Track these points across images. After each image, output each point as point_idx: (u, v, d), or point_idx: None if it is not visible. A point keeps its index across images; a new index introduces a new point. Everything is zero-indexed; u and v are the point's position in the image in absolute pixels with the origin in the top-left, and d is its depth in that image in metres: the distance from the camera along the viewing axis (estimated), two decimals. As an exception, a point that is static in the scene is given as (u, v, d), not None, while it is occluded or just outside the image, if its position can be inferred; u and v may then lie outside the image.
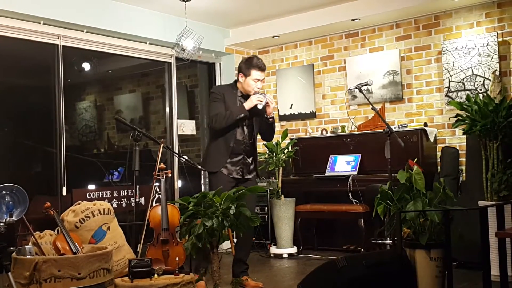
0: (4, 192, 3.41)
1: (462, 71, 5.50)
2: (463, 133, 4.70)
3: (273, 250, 5.80)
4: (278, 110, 6.75)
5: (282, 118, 6.77)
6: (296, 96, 6.70)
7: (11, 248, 3.16)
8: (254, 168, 4.45)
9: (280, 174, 5.84)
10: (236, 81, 4.43)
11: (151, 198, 4.72)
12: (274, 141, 5.68)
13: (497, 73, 5.27)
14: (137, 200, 4.32)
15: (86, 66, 5.96)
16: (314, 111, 6.58)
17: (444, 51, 5.62)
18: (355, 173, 5.63)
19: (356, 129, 6.03)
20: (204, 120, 6.92)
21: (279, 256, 5.72)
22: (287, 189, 5.89)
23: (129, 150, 4.30)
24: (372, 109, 4.79)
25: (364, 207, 5.44)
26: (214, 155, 4.32)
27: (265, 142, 5.73)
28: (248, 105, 4.22)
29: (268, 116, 4.33)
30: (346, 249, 5.72)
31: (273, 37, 6.52)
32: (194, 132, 6.52)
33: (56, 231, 3.80)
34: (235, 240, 4.36)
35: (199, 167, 4.50)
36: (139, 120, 6.75)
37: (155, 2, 5.55)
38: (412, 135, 5.43)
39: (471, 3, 5.46)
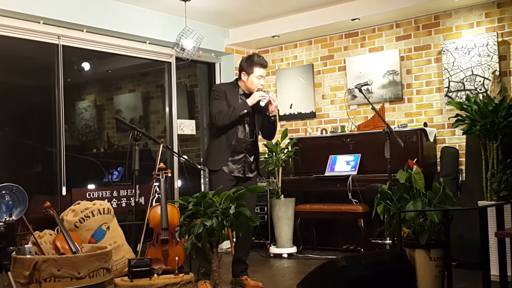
0: (4, 192, 3.41)
1: (462, 71, 5.50)
2: (463, 133, 4.70)
3: (273, 250, 5.80)
4: (278, 110, 6.75)
5: (282, 118, 6.76)
6: (296, 96, 6.70)
7: (11, 248, 3.16)
8: (256, 167, 4.45)
9: (280, 174, 5.84)
10: (237, 80, 4.44)
11: (151, 197, 4.73)
12: (274, 141, 5.68)
13: (497, 73, 5.27)
14: (136, 199, 4.32)
15: (86, 65, 5.96)
16: (314, 111, 6.58)
17: (444, 51, 5.62)
18: (355, 173, 5.63)
19: (356, 129, 6.03)
20: (204, 120, 6.92)
21: (278, 256, 5.72)
22: (287, 189, 5.89)
23: (129, 149, 4.30)
24: (372, 109, 4.79)
25: (363, 207, 5.44)
26: (216, 153, 4.32)
27: (265, 142, 5.74)
28: (251, 101, 4.23)
29: (270, 114, 4.34)
30: (346, 249, 5.72)
31: (273, 37, 6.52)
32: (194, 132, 6.52)
33: (55, 230, 3.80)
34: (234, 239, 4.36)
35: (199, 166, 4.50)
36: (139, 119, 6.75)
37: (155, 1, 5.54)
38: (412, 135, 5.43)
39: (471, 3, 5.46)
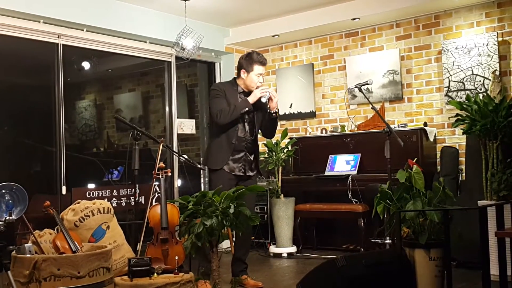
0: (3, 191, 3.41)
1: (462, 70, 5.50)
2: (463, 133, 4.70)
3: (273, 249, 5.80)
4: (278, 110, 6.73)
5: (282, 117, 6.76)
6: (296, 95, 6.70)
7: (11, 247, 3.15)
8: (256, 166, 4.45)
9: (280, 174, 5.84)
10: (235, 78, 4.43)
11: (151, 197, 4.73)
12: (274, 140, 5.68)
13: (497, 72, 5.27)
14: (136, 199, 4.32)
15: (86, 65, 5.96)
16: (314, 111, 6.58)
17: (444, 51, 5.62)
18: (355, 172, 5.63)
19: (355, 129, 6.03)
20: (204, 119, 6.92)
21: (278, 256, 5.72)
22: (287, 189, 5.89)
23: (129, 149, 4.30)
24: (372, 108, 4.79)
25: (363, 206, 5.44)
26: (216, 153, 4.31)
27: (265, 141, 5.74)
28: (252, 98, 4.23)
29: (272, 111, 4.34)
30: (346, 248, 5.72)
31: (273, 36, 6.52)
32: (194, 131, 6.52)
33: (55, 230, 3.80)
34: (234, 239, 4.36)
35: (199, 166, 4.50)
36: (139, 119, 6.75)
37: (155, 1, 5.54)
38: (412, 135, 5.43)
39: (471, 3, 5.46)
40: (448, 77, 5.59)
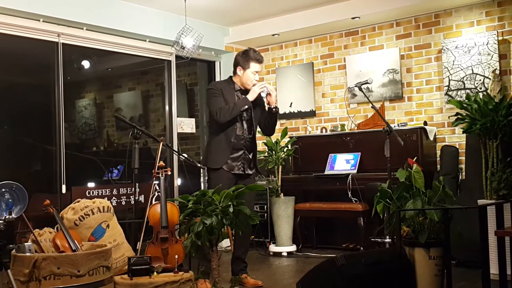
0: (3, 190, 3.41)
1: (462, 69, 5.50)
2: (463, 132, 4.70)
3: (273, 248, 5.80)
4: (278, 109, 6.72)
5: (282, 116, 6.76)
6: (295, 94, 6.70)
7: (11, 246, 3.15)
8: (254, 164, 4.44)
9: (280, 173, 5.84)
10: (231, 77, 4.43)
11: (151, 196, 4.72)
12: (273, 139, 5.68)
13: (497, 71, 5.27)
14: (136, 198, 4.32)
15: (86, 64, 5.96)
16: (314, 110, 6.58)
17: (444, 50, 5.62)
18: (355, 171, 5.63)
19: (355, 128, 6.03)
20: (204, 118, 6.91)
21: (278, 254, 5.72)
22: (287, 188, 5.89)
23: (129, 148, 4.30)
24: (371, 107, 4.79)
25: (363, 205, 5.44)
26: (215, 152, 4.31)
27: (265, 140, 5.74)
28: (252, 96, 4.23)
29: (272, 106, 4.34)
30: (345, 247, 5.71)
31: (273, 35, 6.52)
32: (194, 130, 6.52)
33: (55, 228, 3.80)
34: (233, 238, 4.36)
35: (199, 165, 4.49)
36: (139, 118, 6.75)
37: (155, 0, 5.54)
38: (412, 134, 5.43)
39: (471, 2, 5.46)
40: (448, 76, 5.58)
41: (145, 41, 5.87)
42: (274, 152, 5.76)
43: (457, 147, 5.50)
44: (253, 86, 4.29)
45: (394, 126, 5.51)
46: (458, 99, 5.33)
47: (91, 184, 5.47)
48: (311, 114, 6.59)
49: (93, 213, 4.10)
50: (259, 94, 4.27)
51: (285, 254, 5.72)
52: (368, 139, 5.71)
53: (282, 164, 5.87)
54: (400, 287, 3.37)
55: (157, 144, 4.41)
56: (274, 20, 6.40)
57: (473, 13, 5.52)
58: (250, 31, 6.57)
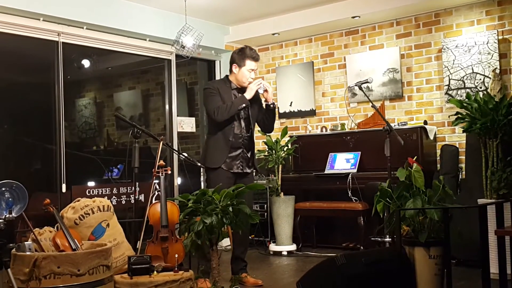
0: (3, 189, 3.41)
1: (462, 69, 5.50)
2: (463, 131, 4.70)
3: (273, 247, 5.80)
4: (278, 108, 6.74)
5: (282, 115, 6.76)
6: (296, 93, 6.70)
7: (11, 245, 3.15)
8: (253, 162, 4.45)
9: (280, 172, 5.84)
10: (227, 76, 4.43)
11: (151, 195, 4.72)
12: (273, 138, 5.68)
13: (497, 71, 5.27)
14: (136, 197, 4.32)
15: (86, 63, 5.96)
16: (314, 109, 6.58)
17: (444, 49, 5.62)
18: (355, 170, 5.63)
19: (355, 127, 6.03)
20: (204, 117, 6.91)
21: (278, 254, 5.72)
22: (287, 187, 5.89)
23: (129, 147, 4.29)
24: (372, 106, 4.78)
25: (363, 205, 5.44)
26: (214, 151, 4.31)
27: (265, 140, 5.74)
28: (249, 94, 4.23)
29: (269, 103, 4.34)
30: (345, 246, 5.71)
31: (273, 34, 6.52)
32: (194, 130, 6.52)
33: (55, 227, 3.80)
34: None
35: (199, 164, 4.49)
36: (139, 117, 6.75)
37: (155, -1, 5.55)
38: (412, 133, 5.42)
39: (471, 1, 5.46)
40: (448, 75, 5.58)
41: (145, 40, 5.87)
42: (274, 151, 5.76)
43: (457, 146, 5.50)
44: (249, 84, 4.29)
45: (394, 125, 5.51)
46: (458, 98, 5.33)
47: (91, 183, 5.48)
48: (311, 113, 6.59)
49: (93, 212, 4.10)
50: (256, 91, 4.27)
51: (285, 253, 5.72)
52: (368, 138, 5.71)
53: (282, 163, 5.87)
54: (400, 286, 3.37)
55: (157, 143, 4.41)
56: (274, 19, 6.40)
57: (473, 12, 5.52)
58: (250, 30, 6.57)
